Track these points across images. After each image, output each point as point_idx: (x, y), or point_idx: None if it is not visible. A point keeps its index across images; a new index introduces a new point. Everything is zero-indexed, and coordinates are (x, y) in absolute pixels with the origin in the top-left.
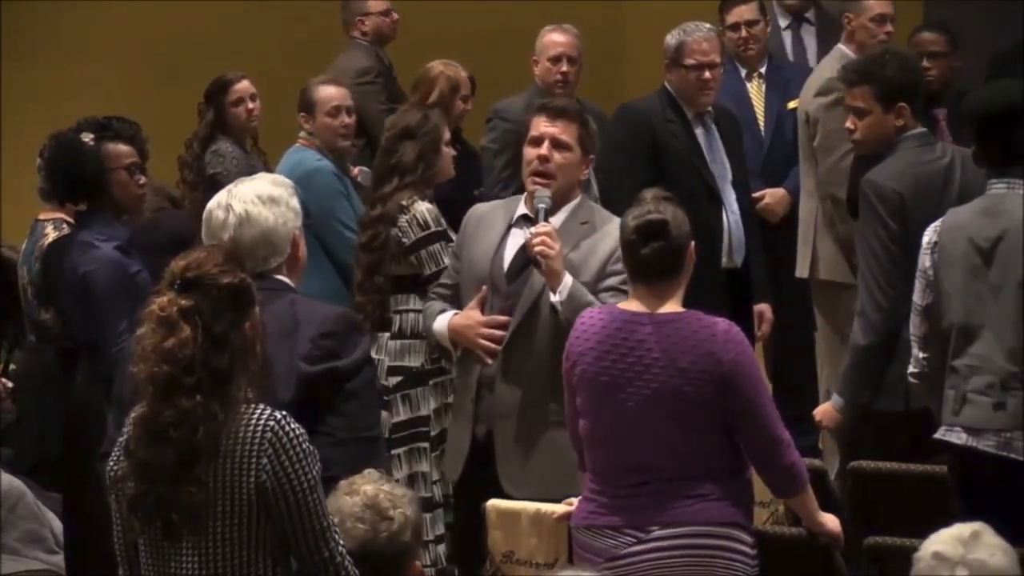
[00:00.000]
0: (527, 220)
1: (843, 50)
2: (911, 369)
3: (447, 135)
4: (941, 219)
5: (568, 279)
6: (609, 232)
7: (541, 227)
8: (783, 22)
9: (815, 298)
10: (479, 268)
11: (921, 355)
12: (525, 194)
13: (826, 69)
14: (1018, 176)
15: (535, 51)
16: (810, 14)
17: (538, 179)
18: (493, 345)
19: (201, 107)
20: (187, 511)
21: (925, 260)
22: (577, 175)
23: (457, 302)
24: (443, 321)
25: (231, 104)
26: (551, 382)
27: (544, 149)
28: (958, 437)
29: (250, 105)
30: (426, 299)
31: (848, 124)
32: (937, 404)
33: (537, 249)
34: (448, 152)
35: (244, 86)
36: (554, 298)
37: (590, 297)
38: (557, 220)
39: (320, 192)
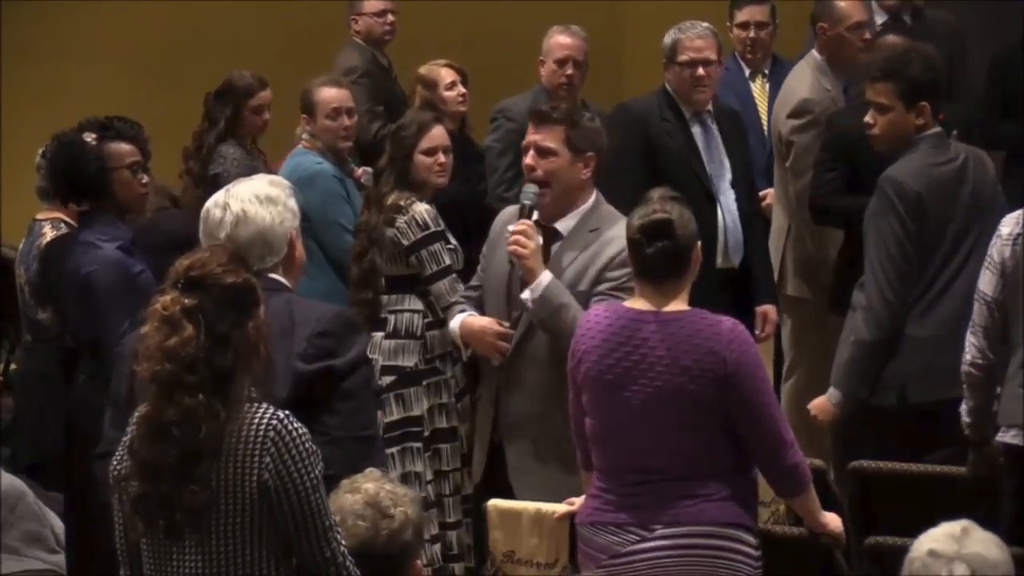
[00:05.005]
0: (541, 226)
1: (816, 58)
2: (969, 358)
3: (427, 143)
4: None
5: (544, 278)
6: (613, 238)
7: (518, 224)
8: (879, 19)
9: (781, 310)
10: (498, 274)
11: (985, 345)
12: None
13: (800, 86)
14: None
15: (541, 51)
16: (907, 14)
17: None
18: (499, 354)
19: (218, 104)
20: (190, 510)
21: (1005, 251)
22: (574, 177)
23: (481, 306)
24: (458, 320)
25: (251, 110)
26: (556, 391)
27: (530, 158)
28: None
29: (266, 116)
30: (423, 299)
31: (868, 119)
32: (986, 398)
33: (510, 248)
34: (426, 161)
35: (267, 95)
36: (524, 295)
37: (566, 299)
38: (566, 226)
39: (320, 195)
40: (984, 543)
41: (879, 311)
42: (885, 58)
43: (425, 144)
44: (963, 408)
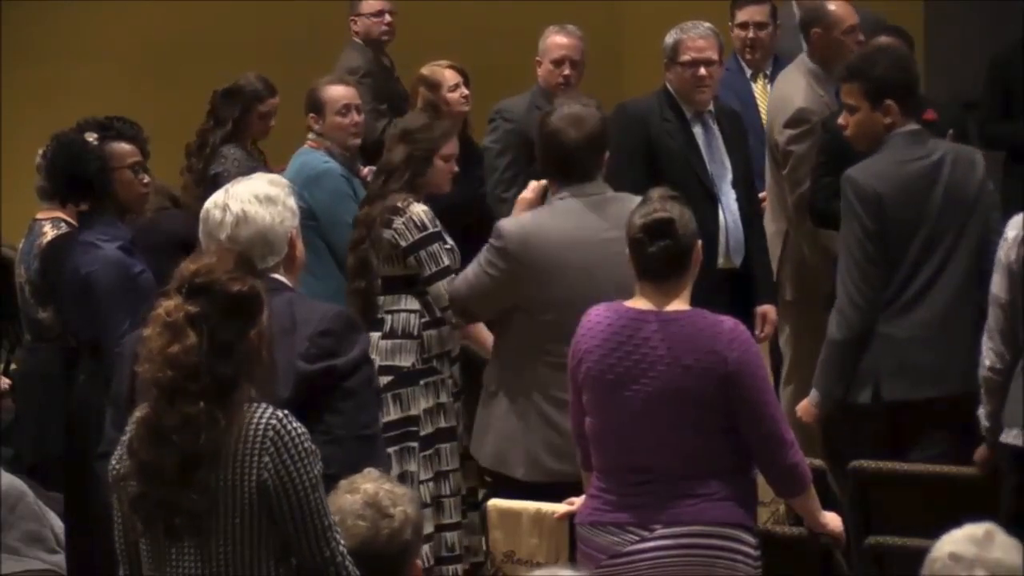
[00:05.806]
0: None
1: (808, 64)
2: (988, 363)
3: (448, 149)
4: None
5: (501, 224)
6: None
7: None
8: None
9: (780, 315)
10: None
11: (1003, 349)
12: None
13: (795, 93)
14: None
15: (538, 51)
16: None
17: None
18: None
19: (226, 103)
20: (189, 514)
21: (1011, 254)
22: None
23: None
24: None
25: (259, 115)
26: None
27: None
28: None
29: (272, 122)
30: (420, 299)
31: (840, 120)
32: (1004, 401)
33: None
34: (443, 167)
35: (275, 102)
36: None
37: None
38: None
39: (327, 194)
40: (1005, 548)
41: (848, 313)
42: (855, 58)
43: (446, 150)
44: (981, 412)
